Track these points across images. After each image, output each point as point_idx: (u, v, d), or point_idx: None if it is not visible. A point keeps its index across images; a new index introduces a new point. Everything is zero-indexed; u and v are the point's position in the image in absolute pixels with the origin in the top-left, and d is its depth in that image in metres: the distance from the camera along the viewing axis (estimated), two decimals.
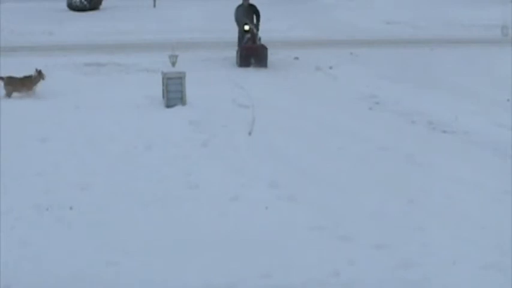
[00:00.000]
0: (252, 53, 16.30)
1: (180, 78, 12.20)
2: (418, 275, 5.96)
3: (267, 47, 16.32)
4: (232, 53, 16.83)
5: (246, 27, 16.41)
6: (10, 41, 20.25)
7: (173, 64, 12.45)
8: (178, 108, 11.91)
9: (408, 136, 10.67)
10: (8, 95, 12.57)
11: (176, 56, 12.48)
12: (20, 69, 15.33)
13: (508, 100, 12.97)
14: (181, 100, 12.12)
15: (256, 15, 16.74)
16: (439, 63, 17.20)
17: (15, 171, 8.55)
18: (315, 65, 16.58)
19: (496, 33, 22.32)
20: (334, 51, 18.24)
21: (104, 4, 28.79)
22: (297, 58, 17.46)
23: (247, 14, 16.68)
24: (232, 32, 17.29)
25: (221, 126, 10.78)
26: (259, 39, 16.45)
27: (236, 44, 16.78)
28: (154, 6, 28.73)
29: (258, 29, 16.58)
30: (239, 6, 16.95)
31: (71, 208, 7.36)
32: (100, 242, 6.55)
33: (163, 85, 12.33)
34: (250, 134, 10.45)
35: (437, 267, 6.09)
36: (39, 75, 12.78)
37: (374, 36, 21.91)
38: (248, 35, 16.37)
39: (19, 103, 12.20)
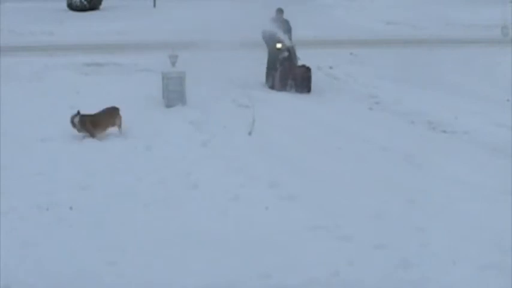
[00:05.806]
0: (293, 75, 14.01)
1: (180, 78, 12.21)
2: (418, 275, 5.97)
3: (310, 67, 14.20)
4: (232, 53, 16.68)
5: (278, 45, 14.19)
6: (10, 41, 20.21)
7: (173, 64, 12.43)
8: (178, 108, 11.91)
9: (408, 136, 10.67)
10: (92, 135, 10.07)
11: (176, 56, 12.45)
12: (20, 69, 15.40)
13: (507, 100, 12.98)
14: (181, 100, 12.12)
15: (289, 32, 14.58)
16: (439, 63, 17.17)
17: (16, 171, 8.56)
18: (315, 65, 16.53)
19: (496, 33, 22.28)
20: (334, 51, 18.21)
21: (104, 4, 28.71)
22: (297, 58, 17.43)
23: (282, 29, 14.44)
24: (231, 32, 17.22)
25: (221, 126, 10.78)
26: (298, 58, 14.31)
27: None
28: (154, 6, 28.68)
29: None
30: (273, 19, 14.57)
31: (71, 208, 7.37)
32: (100, 242, 6.56)
33: (163, 85, 12.33)
34: (250, 134, 10.45)
35: (436, 267, 6.10)
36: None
37: (374, 36, 21.87)
38: (285, 54, 14.16)
39: (19, 103, 12.20)
